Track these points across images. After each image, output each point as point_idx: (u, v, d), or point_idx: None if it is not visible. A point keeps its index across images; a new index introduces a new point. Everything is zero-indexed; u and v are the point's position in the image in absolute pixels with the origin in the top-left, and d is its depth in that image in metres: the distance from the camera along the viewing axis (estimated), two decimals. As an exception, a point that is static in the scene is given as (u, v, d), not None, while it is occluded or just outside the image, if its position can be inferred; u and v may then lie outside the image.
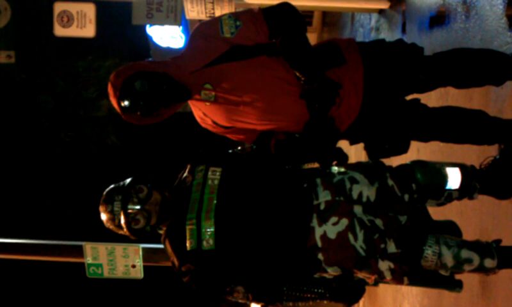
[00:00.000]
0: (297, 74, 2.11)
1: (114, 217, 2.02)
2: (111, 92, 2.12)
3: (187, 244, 1.99)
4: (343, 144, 2.39)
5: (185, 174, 2.12)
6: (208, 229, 1.97)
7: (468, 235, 2.31)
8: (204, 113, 2.26)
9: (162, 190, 2.10)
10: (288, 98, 2.15)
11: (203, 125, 2.35)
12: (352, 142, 2.37)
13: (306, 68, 2.09)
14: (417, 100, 2.33)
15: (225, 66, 2.12)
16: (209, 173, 2.06)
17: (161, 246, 2.14)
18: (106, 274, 3.97)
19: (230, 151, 2.22)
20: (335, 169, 2.09)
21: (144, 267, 3.96)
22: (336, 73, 2.16)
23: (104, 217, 2.05)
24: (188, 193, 2.06)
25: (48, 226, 10.79)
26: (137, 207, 2.01)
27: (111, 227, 2.05)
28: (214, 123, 2.27)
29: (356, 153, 5.77)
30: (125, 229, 2.03)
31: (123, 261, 3.92)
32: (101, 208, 2.05)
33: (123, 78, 2.08)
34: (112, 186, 2.08)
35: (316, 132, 2.19)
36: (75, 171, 12.18)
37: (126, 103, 2.08)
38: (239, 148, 2.26)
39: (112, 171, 11.62)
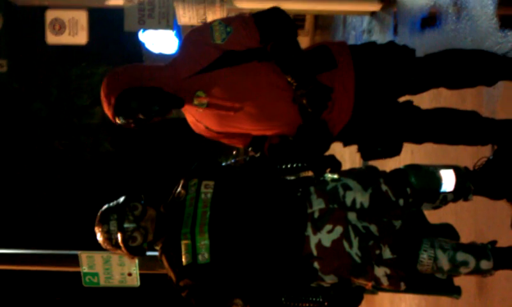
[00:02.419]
0: (289, 79, 2.11)
1: (111, 237, 2.01)
2: (104, 104, 2.13)
3: (183, 259, 1.99)
4: (337, 147, 2.39)
5: (178, 189, 2.12)
6: (203, 243, 1.97)
7: (464, 236, 2.31)
8: (196, 119, 2.26)
9: (157, 206, 2.10)
10: (280, 102, 2.15)
11: (196, 131, 2.35)
12: (345, 144, 2.37)
13: (298, 74, 2.09)
14: (410, 102, 2.34)
15: (217, 73, 2.12)
16: (202, 186, 2.06)
17: (157, 253, 2.14)
18: (102, 283, 3.96)
19: (223, 164, 2.23)
20: (329, 176, 2.09)
21: (141, 274, 3.95)
22: (328, 77, 2.16)
23: (100, 238, 2.05)
24: (182, 208, 2.05)
25: (43, 236, 10.74)
26: (133, 225, 2.01)
27: (108, 247, 2.05)
28: (207, 128, 2.27)
29: (350, 156, 5.77)
30: (122, 248, 2.02)
31: (119, 269, 3.91)
32: (97, 229, 2.05)
33: (115, 94, 2.09)
34: (105, 206, 2.08)
35: (309, 135, 2.19)
36: (69, 179, 12.13)
37: (120, 121, 2.12)
38: (232, 160, 2.26)
39: (107, 178, 11.59)
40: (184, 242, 1.99)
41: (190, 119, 2.30)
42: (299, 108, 2.14)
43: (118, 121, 2.13)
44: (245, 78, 2.12)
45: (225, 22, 2.18)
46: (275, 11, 2.18)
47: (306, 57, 2.15)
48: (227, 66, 2.12)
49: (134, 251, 2.04)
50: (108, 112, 2.14)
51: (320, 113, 2.14)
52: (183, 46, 2.22)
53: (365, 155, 2.31)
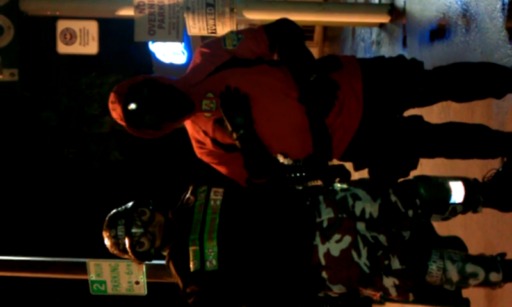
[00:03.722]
0: (295, 72, 2.13)
1: (118, 242, 2.03)
2: (115, 99, 2.06)
3: (191, 265, 1.99)
4: (346, 165, 2.38)
5: (187, 196, 2.13)
6: (211, 250, 1.97)
7: (473, 248, 2.30)
8: (205, 132, 2.24)
9: (165, 212, 2.11)
10: (287, 102, 2.16)
11: (199, 154, 2.30)
12: (357, 168, 2.35)
13: (304, 62, 2.13)
14: (420, 117, 2.34)
15: (226, 72, 2.17)
16: (211, 193, 2.07)
17: (164, 262, 2.14)
18: (110, 291, 3.95)
19: None
20: (338, 186, 2.10)
21: (148, 283, 3.95)
22: (335, 78, 2.17)
23: (108, 242, 2.06)
24: (191, 214, 2.06)
25: (51, 243, 10.78)
26: (141, 230, 2.02)
27: (116, 252, 2.06)
28: (214, 142, 2.25)
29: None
30: (130, 253, 2.03)
31: (126, 277, 3.90)
32: (105, 234, 2.06)
33: (129, 85, 2.07)
34: (114, 211, 2.09)
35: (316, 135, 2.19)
36: (78, 188, 12.18)
37: (132, 106, 2.01)
38: None
39: (116, 187, 11.63)
40: (192, 249, 2.00)
41: (195, 136, 2.26)
42: (306, 109, 2.15)
43: (129, 108, 2.01)
44: (253, 77, 2.17)
45: (237, 31, 2.28)
46: (283, 20, 2.27)
47: (311, 54, 2.20)
48: (237, 67, 2.17)
49: (141, 257, 2.05)
50: (118, 105, 2.05)
51: (327, 110, 2.14)
52: (195, 57, 2.28)
53: (377, 177, 2.28)
